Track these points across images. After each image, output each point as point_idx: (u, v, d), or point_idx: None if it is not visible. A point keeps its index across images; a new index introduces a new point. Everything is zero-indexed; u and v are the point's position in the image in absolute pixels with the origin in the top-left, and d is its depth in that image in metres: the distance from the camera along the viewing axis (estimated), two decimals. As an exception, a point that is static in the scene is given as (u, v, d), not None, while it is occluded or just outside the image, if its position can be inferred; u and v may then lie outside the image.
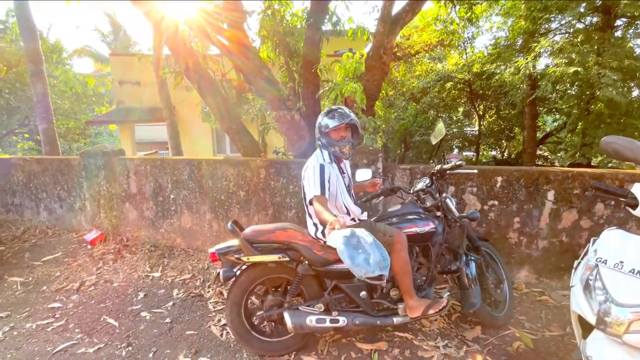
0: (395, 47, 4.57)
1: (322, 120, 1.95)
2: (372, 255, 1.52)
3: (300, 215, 3.24)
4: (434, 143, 2.30)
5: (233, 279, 1.97)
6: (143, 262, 3.34)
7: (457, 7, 8.05)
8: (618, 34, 7.18)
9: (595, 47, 6.00)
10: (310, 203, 1.82)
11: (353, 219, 1.98)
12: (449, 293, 2.13)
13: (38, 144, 13.71)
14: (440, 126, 2.21)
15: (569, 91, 8.41)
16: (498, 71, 10.25)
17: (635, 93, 7.48)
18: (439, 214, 2.16)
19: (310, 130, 4.70)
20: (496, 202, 2.74)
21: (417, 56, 7.66)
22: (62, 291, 2.88)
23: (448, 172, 2.16)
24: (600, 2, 6.83)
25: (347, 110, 1.97)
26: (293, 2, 5.51)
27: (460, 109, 13.80)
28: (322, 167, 1.84)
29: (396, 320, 1.98)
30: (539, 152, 11.69)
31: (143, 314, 2.52)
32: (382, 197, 2.53)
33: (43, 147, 7.18)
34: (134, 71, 10.56)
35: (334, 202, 1.92)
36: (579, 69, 5.79)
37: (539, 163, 11.34)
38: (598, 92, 6.39)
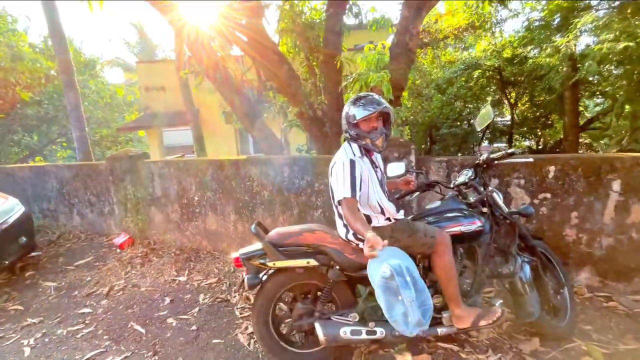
0: (421, 33, 4.27)
1: (350, 109, 1.67)
2: (411, 315, 1.40)
3: (328, 215, 3.06)
4: (479, 129, 2.01)
5: (259, 286, 1.81)
6: (170, 265, 3.31)
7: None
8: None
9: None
10: (339, 204, 1.60)
11: (388, 219, 1.77)
12: (501, 301, 1.87)
13: (76, 152, 14.48)
14: (487, 109, 1.93)
15: (614, 71, 7.65)
16: (531, 55, 9.55)
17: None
18: (485, 210, 1.89)
19: (334, 125, 4.51)
20: (549, 195, 2.42)
21: (445, 41, 7.18)
22: (92, 296, 2.88)
23: (497, 162, 1.88)
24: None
25: (377, 96, 1.70)
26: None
27: (489, 98, 13.06)
28: (352, 163, 1.59)
29: (440, 330, 1.75)
30: (580, 139, 10.80)
31: (169, 320, 2.45)
32: (417, 194, 2.29)
33: (77, 154, 7.48)
34: (158, 77, 10.86)
35: (366, 201, 1.69)
36: (631, 44, 5.18)
37: (582, 151, 10.46)
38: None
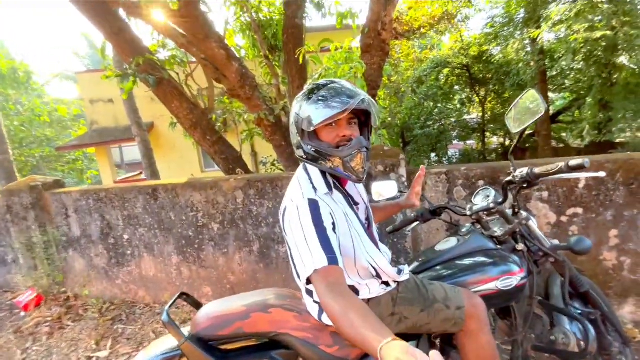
0: (394, 21, 3.81)
1: (302, 108, 0.94)
2: None
3: (297, 250, 2.36)
4: (515, 130, 1.34)
5: None
6: (88, 332, 2.44)
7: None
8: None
9: (624, 7, 5.19)
10: (308, 282, 0.84)
11: (385, 283, 1.09)
12: None
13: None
14: (534, 98, 1.27)
15: (579, 65, 7.63)
16: (497, 52, 9.48)
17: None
18: (519, 247, 1.26)
19: (301, 132, 3.85)
20: (580, 211, 1.87)
21: (420, 31, 6.75)
22: (-40, 400, 1.98)
23: (543, 179, 1.25)
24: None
25: (346, 84, 0.96)
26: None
27: (457, 97, 13.03)
28: (313, 207, 0.89)
29: None
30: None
31: None
32: (416, 224, 1.62)
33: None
34: (105, 88, 9.70)
35: (351, 264, 1.00)
36: (607, 33, 4.97)
37: (554, 145, 10.53)
38: (623, 59, 5.60)
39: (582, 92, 8.02)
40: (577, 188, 1.85)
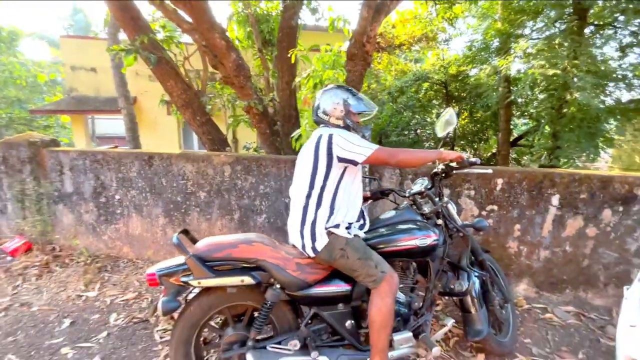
0: (378, 36, 4.28)
1: (349, 98, 1.62)
2: None
3: (273, 221, 2.77)
4: (440, 135, 1.88)
5: (177, 311, 1.46)
6: (76, 277, 2.73)
7: (437, 5, 7.92)
8: (594, 41, 7.33)
9: (572, 50, 6.01)
10: (370, 162, 1.51)
11: (348, 228, 1.54)
12: (452, 320, 1.77)
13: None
14: (451, 114, 1.79)
15: (541, 95, 8.55)
16: (473, 73, 10.30)
17: (606, 100, 7.67)
18: (439, 222, 1.77)
19: (285, 123, 4.23)
20: (495, 207, 2.43)
21: (401, 48, 7.38)
22: (-42, 320, 2.22)
23: (456, 171, 1.76)
24: (572, 8, 6.92)
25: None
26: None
27: (434, 111, 13.89)
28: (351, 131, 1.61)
29: (393, 354, 1.58)
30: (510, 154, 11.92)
31: (64, 350, 1.94)
32: (369, 201, 2.14)
33: (-29, 137, 6.15)
34: (89, 56, 9.56)
35: (354, 199, 1.59)
36: (557, 72, 5.75)
37: (512, 165, 11.53)
38: (572, 96, 6.45)
39: (541, 120, 8.96)
40: (495, 190, 2.40)
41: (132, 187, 2.95)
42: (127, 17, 3.59)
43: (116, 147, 10.81)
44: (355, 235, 1.54)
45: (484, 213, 2.44)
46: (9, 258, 2.98)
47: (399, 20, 7.50)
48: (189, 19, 3.40)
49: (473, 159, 1.64)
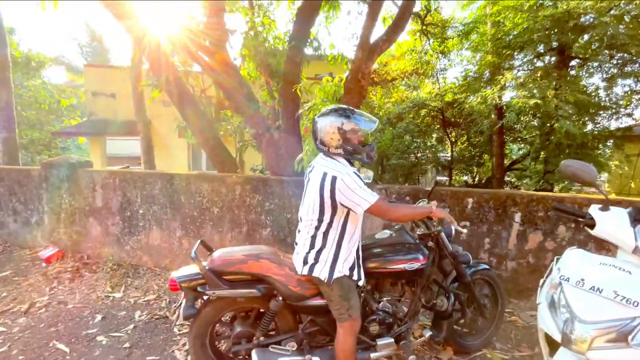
0: (372, 73, 4.81)
1: (345, 123, 1.59)
2: None
3: (276, 234, 3.18)
4: (428, 188, 2.15)
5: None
6: (104, 281, 3.12)
7: (431, 40, 8.63)
8: (573, 72, 7.92)
9: (554, 83, 6.55)
10: (369, 212, 1.56)
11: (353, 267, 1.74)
12: (430, 333, 2.10)
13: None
14: (432, 172, 2.15)
15: (531, 122, 9.07)
16: (468, 101, 10.90)
17: (589, 127, 8.14)
18: (430, 244, 2.05)
19: (289, 148, 4.71)
20: (468, 223, 2.82)
21: (393, 83, 8.04)
22: (7, 313, 2.60)
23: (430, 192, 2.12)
24: (557, 44, 7.55)
25: (364, 112, 1.73)
26: (276, 24, 5.69)
27: (434, 135, 14.46)
28: (356, 175, 1.58)
29: (373, 355, 1.87)
30: (506, 178, 12.30)
31: (99, 338, 2.31)
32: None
33: (1, 157, 6.72)
34: (109, 83, 10.34)
35: (355, 236, 1.71)
36: (539, 102, 6.26)
37: (507, 189, 11.90)
38: (557, 124, 6.92)
39: (529, 147, 9.42)
40: (467, 208, 2.80)
41: (155, 202, 3.39)
42: (155, 57, 4.18)
43: (127, 167, 11.41)
44: (346, 276, 1.71)
45: (458, 228, 2.82)
46: (44, 264, 3.39)
47: (391, 57, 8.23)
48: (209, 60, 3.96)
49: (457, 227, 1.93)
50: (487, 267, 2.32)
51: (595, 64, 8.00)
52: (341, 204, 1.57)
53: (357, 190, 1.54)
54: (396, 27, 4.77)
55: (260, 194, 3.16)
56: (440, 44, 8.64)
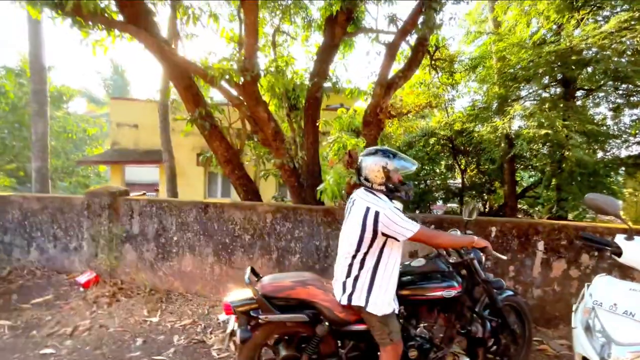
0: (389, 107, 5.16)
1: (389, 163, 1.79)
2: None
3: (305, 260, 3.31)
4: (466, 219, 2.37)
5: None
6: (140, 306, 3.24)
7: (440, 73, 9.06)
8: (580, 102, 8.18)
9: (561, 113, 6.78)
10: (411, 240, 1.72)
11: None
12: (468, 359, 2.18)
13: (20, 181, 13.36)
14: (475, 206, 2.40)
15: (541, 150, 9.23)
16: (477, 129, 11.19)
17: (600, 154, 8.26)
18: (463, 272, 2.16)
19: (309, 178, 4.94)
20: (495, 257, 2.91)
21: (408, 115, 8.44)
22: (53, 336, 2.73)
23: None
24: (561, 76, 7.88)
25: (405, 155, 1.92)
26: (294, 60, 6.14)
27: (443, 162, 14.67)
28: (397, 209, 1.74)
29: None
30: (519, 205, 12.28)
31: (143, 361, 2.42)
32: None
33: (34, 185, 7.09)
34: (132, 114, 10.93)
35: (392, 266, 1.81)
36: (549, 132, 6.46)
37: (520, 216, 11.86)
38: (567, 153, 7.07)
39: (541, 174, 9.52)
40: (490, 236, 2.92)
41: (189, 230, 3.58)
42: (189, 94, 4.54)
43: (144, 194, 11.77)
44: (391, 312, 1.84)
45: (481, 255, 2.93)
46: (81, 289, 3.54)
47: (407, 91, 8.68)
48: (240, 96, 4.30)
49: (496, 254, 2.04)
50: (512, 292, 2.39)
51: (601, 94, 8.26)
52: (383, 233, 1.71)
53: (400, 222, 1.69)
54: (411, 64, 5.13)
55: (290, 221, 3.33)
56: (449, 77, 9.06)
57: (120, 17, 4.03)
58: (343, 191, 3.93)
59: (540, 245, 2.82)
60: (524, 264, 2.86)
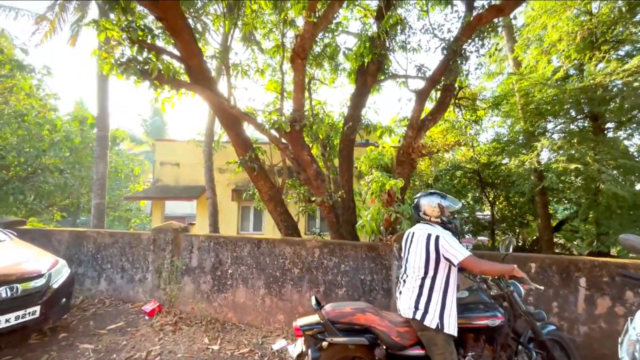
0: (420, 146, 5.55)
1: (442, 201, 2.25)
2: None
3: (350, 294, 3.54)
4: (503, 252, 2.62)
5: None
6: (200, 334, 3.55)
7: (463, 111, 9.43)
8: (610, 134, 8.18)
9: (591, 145, 6.85)
10: (461, 265, 2.05)
11: (441, 316, 2.10)
12: None
13: (70, 215, 14.53)
14: (511, 241, 2.68)
15: (574, 182, 9.11)
16: (504, 162, 11.22)
17: (638, 187, 8.07)
18: (505, 304, 2.35)
19: (345, 213, 5.26)
20: (533, 287, 3.04)
21: (438, 153, 8.82)
22: (131, 360, 3.07)
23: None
24: (588, 110, 8.00)
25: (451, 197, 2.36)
26: (326, 104, 6.73)
27: (470, 195, 14.55)
28: (453, 237, 2.11)
29: None
30: (555, 239, 11.85)
31: (214, 384, 2.68)
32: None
33: (92, 219, 7.83)
34: (174, 154, 11.92)
35: (453, 287, 2.12)
36: (580, 167, 6.51)
37: (557, 251, 11.41)
38: (602, 186, 7.01)
39: (580, 206, 9.30)
40: (530, 272, 3.06)
41: (243, 263, 3.94)
42: (239, 139, 5.13)
43: (191, 224, 12.46)
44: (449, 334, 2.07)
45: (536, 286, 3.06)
46: (147, 317, 3.91)
47: (435, 130, 9.14)
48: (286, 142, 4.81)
49: (534, 284, 2.25)
50: (555, 327, 2.52)
51: (634, 126, 8.23)
52: (444, 256, 2.06)
53: (455, 246, 2.06)
54: (439, 108, 5.55)
55: (336, 256, 3.62)
56: (472, 114, 9.40)
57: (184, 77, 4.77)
58: (381, 227, 4.22)
59: (582, 282, 2.93)
60: (567, 300, 2.95)
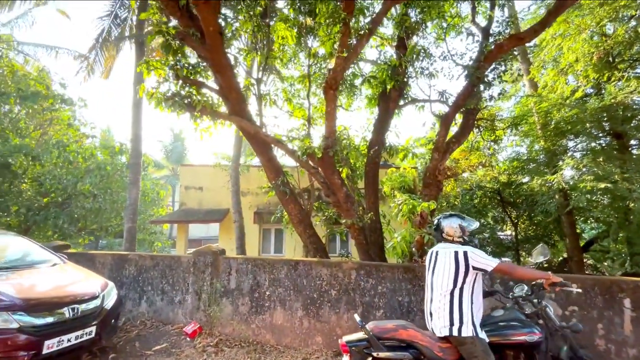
0: (446, 168, 5.72)
1: (463, 222, 2.50)
2: None
3: (388, 315, 3.59)
4: (533, 262, 2.75)
5: None
6: (242, 355, 3.64)
7: (481, 131, 9.55)
8: (635, 151, 8.09)
9: (617, 163, 6.79)
10: (495, 272, 2.30)
11: (474, 324, 2.27)
12: None
13: (96, 237, 15.01)
14: (544, 248, 2.74)
15: (602, 201, 8.93)
16: (524, 181, 11.13)
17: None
18: (540, 322, 2.42)
19: (372, 234, 5.36)
20: (576, 308, 3.05)
21: (463, 175, 8.95)
22: (180, 380, 3.18)
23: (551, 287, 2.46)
24: (609, 128, 7.98)
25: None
26: (349, 128, 6.99)
27: (490, 214, 14.31)
28: (478, 249, 2.35)
29: None
30: (585, 260, 11.44)
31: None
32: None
33: (124, 243, 8.14)
34: (198, 178, 12.36)
35: (481, 298, 2.34)
36: (609, 186, 6.45)
37: (588, 272, 11.00)
38: (633, 205, 6.88)
39: (610, 225, 9.06)
40: (572, 293, 3.07)
41: (280, 285, 4.06)
42: (271, 165, 5.39)
43: (219, 247, 12.74)
44: (479, 337, 2.23)
45: (567, 313, 3.06)
46: (188, 339, 4.04)
47: (456, 152, 9.33)
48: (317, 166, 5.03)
49: (570, 287, 2.36)
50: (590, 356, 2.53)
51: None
52: (474, 267, 2.26)
53: (484, 256, 2.31)
54: (463, 131, 5.72)
55: (373, 278, 3.71)
56: (491, 134, 9.50)
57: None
58: (413, 248, 4.30)
59: (627, 303, 2.92)
60: (612, 322, 2.94)
